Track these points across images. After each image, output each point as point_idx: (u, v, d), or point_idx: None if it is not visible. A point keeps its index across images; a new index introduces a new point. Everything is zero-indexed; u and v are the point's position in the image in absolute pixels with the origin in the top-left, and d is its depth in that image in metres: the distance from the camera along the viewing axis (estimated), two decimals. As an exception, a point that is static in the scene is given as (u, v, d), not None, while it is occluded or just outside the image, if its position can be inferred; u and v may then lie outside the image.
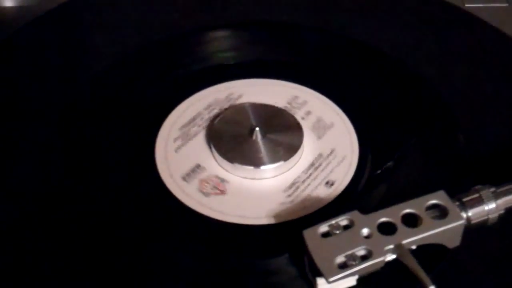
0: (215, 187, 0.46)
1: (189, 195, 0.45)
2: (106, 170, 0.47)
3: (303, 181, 0.46)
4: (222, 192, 0.45)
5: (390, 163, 0.47)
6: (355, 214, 0.39)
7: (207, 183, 0.46)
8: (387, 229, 0.39)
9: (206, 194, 0.45)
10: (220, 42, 0.59)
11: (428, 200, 0.40)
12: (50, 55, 0.57)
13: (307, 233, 0.39)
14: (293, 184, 0.46)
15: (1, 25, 0.65)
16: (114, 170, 0.47)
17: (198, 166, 0.47)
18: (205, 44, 0.59)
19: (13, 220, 0.44)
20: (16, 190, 0.46)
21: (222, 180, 0.46)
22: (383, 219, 0.39)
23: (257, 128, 0.48)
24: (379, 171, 0.47)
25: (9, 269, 0.40)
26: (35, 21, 0.59)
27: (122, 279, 0.40)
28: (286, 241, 0.41)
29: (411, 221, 0.39)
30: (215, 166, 0.47)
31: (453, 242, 0.40)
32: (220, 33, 0.59)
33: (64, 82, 0.54)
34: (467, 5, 0.66)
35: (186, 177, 0.46)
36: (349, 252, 0.38)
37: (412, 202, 0.40)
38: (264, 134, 0.48)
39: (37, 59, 0.57)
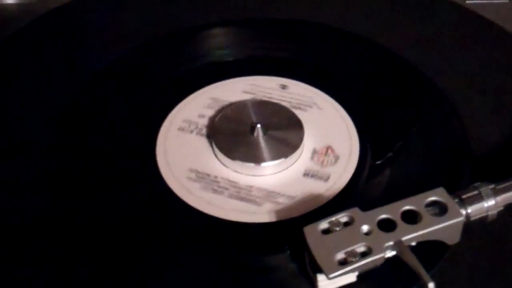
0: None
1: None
2: (106, 169, 0.47)
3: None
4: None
5: (390, 154, 0.47)
6: (355, 211, 0.39)
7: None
8: (387, 226, 0.39)
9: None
10: (220, 39, 0.59)
11: (427, 197, 0.40)
12: (51, 53, 0.57)
13: (308, 230, 0.39)
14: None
15: (2, 22, 0.65)
16: (115, 168, 0.47)
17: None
18: (206, 42, 0.59)
19: (13, 217, 0.44)
20: (16, 187, 0.46)
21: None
22: (383, 216, 0.39)
23: (258, 125, 0.48)
24: (379, 161, 0.47)
25: (9, 269, 0.41)
26: (36, 20, 0.60)
27: (123, 276, 0.40)
28: (287, 238, 0.42)
29: (411, 218, 0.39)
30: (216, 163, 0.47)
31: (453, 238, 0.40)
32: (220, 31, 0.60)
33: (64, 80, 0.54)
34: (468, 2, 0.66)
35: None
36: (349, 249, 0.38)
37: (411, 199, 0.40)
38: (265, 131, 0.48)
39: (39, 56, 0.57)
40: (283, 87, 0.54)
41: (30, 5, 0.66)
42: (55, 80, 0.54)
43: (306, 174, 0.47)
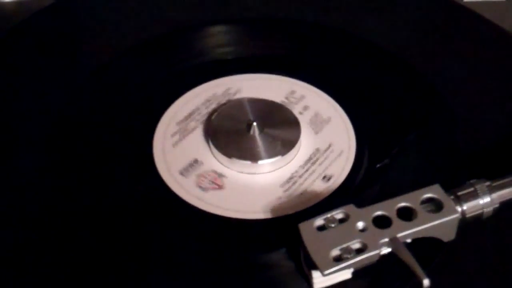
0: (212, 182, 0.46)
1: (186, 189, 0.45)
2: (104, 166, 0.47)
3: (300, 176, 0.47)
4: (220, 187, 0.46)
5: (387, 160, 0.47)
6: (351, 208, 0.39)
7: (205, 177, 0.46)
8: (382, 222, 0.39)
9: (204, 189, 0.45)
10: (218, 37, 0.59)
11: (423, 194, 0.40)
12: (46, 51, 0.57)
13: (303, 226, 0.39)
14: (290, 178, 0.46)
15: (0, 20, 0.65)
16: (112, 165, 0.47)
17: (195, 161, 0.47)
18: (203, 39, 0.59)
19: (11, 215, 0.44)
20: (14, 185, 0.46)
21: (220, 175, 0.46)
22: (378, 213, 0.39)
23: (255, 123, 0.48)
24: (379, 165, 0.47)
25: (9, 269, 0.41)
26: (32, 17, 0.60)
27: (120, 274, 0.40)
28: (283, 235, 0.42)
29: (406, 214, 0.39)
30: (213, 160, 0.48)
31: (448, 235, 0.40)
32: (218, 29, 0.60)
33: (61, 78, 0.54)
34: (466, 1, 0.66)
35: (184, 172, 0.47)
36: (344, 245, 0.38)
37: (407, 195, 0.40)
38: (261, 129, 0.48)
39: (34, 54, 0.57)
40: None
41: (28, 3, 0.66)
42: (51, 78, 0.54)
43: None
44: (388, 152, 0.48)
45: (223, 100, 0.52)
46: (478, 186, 0.40)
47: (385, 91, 0.53)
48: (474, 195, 0.40)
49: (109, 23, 0.60)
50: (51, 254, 0.41)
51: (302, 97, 0.53)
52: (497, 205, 0.41)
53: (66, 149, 0.48)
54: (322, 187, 0.46)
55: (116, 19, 0.60)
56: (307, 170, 0.47)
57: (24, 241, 0.42)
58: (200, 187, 0.46)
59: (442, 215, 0.39)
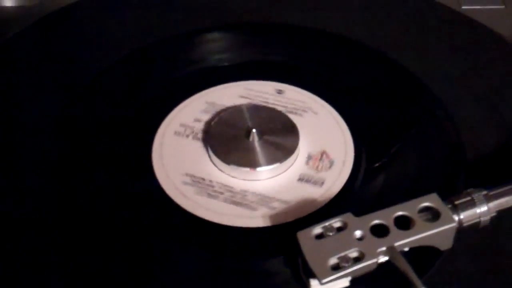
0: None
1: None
2: (102, 172, 0.47)
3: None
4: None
5: (385, 159, 0.48)
6: (348, 216, 0.40)
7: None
8: (379, 231, 0.39)
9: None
10: (217, 44, 0.59)
11: (420, 203, 0.40)
12: (48, 56, 0.58)
13: (301, 235, 0.39)
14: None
15: (1, 25, 0.65)
16: (111, 171, 0.47)
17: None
18: (203, 46, 0.59)
19: (11, 219, 0.44)
20: (14, 190, 0.46)
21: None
22: (376, 221, 0.39)
23: (254, 130, 0.48)
24: (376, 165, 0.47)
25: (8, 269, 0.41)
26: (36, 23, 0.60)
27: (117, 281, 0.41)
28: (281, 243, 0.42)
29: (404, 223, 0.40)
30: (212, 167, 0.48)
31: (445, 244, 0.40)
32: (216, 35, 0.60)
33: (61, 83, 0.54)
34: (463, 7, 0.66)
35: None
36: (342, 254, 0.38)
37: (404, 204, 0.40)
38: (260, 136, 0.48)
39: (36, 59, 0.57)
40: (279, 91, 0.54)
41: (29, 8, 0.66)
42: (52, 83, 0.54)
43: (300, 179, 0.47)
44: (385, 155, 0.48)
45: (223, 107, 0.52)
46: (475, 195, 0.41)
47: (383, 98, 0.53)
48: (471, 204, 0.40)
49: (107, 30, 0.60)
50: (49, 255, 0.42)
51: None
52: (494, 214, 0.41)
53: (64, 156, 0.48)
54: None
55: (116, 26, 0.61)
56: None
57: (20, 245, 0.42)
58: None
59: (439, 224, 0.39)
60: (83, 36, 0.60)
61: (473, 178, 0.45)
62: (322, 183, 0.47)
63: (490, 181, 0.42)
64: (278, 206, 0.45)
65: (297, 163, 0.48)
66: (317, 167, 0.48)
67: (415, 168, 0.48)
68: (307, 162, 0.48)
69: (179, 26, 0.60)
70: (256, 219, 0.44)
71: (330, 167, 0.48)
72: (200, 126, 0.51)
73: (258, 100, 0.53)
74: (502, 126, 0.51)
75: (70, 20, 0.62)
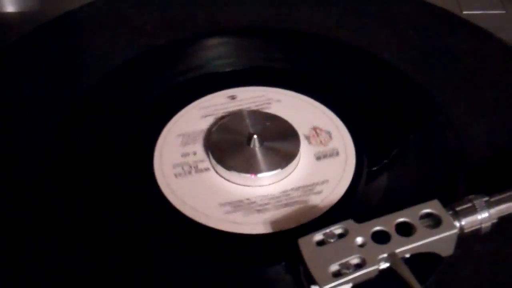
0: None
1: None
2: (103, 176, 0.48)
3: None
4: None
5: (386, 161, 0.48)
6: (350, 223, 0.40)
7: None
8: (381, 238, 0.39)
9: None
10: (221, 49, 0.60)
11: (421, 209, 0.40)
12: (50, 62, 0.58)
13: (302, 241, 0.39)
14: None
15: (3, 30, 0.65)
16: (111, 176, 0.48)
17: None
18: (209, 51, 0.59)
19: (11, 217, 0.44)
20: (13, 189, 0.46)
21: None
22: (377, 228, 0.39)
23: (255, 136, 0.48)
24: (375, 168, 0.48)
25: (8, 269, 0.41)
26: (38, 28, 0.60)
27: (114, 284, 0.41)
28: (282, 249, 0.42)
29: (405, 230, 0.40)
30: (213, 173, 0.48)
31: (447, 251, 0.40)
32: (219, 40, 0.60)
33: (61, 91, 0.55)
34: (464, 12, 0.66)
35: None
36: (343, 261, 0.38)
37: (405, 211, 0.40)
38: (261, 141, 0.48)
39: (39, 64, 0.57)
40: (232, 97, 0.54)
41: (31, 14, 0.67)
42: (50, 90, 0.55)
43: (318, 158, 0.48)
44: (387, 166, 0.48)
45: (224, 113, 0.52)
46: (476, 202, 0.41)
47: (384, 102, 0.53)
48: (473, 211, 0.40)
49: (109, 36, 0.60)
50: (44, 258, 0.42)
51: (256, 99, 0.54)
52: (495, 220, 0.41)
53: (64, 162, 0.49)
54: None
55: (117, 32, 0.61)
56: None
57: (18, 244, 0.42)
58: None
59: (440, 230, 0.39)
60: (85, 42, 0.60)
61: (474, 184, 0.45)
62: (337, 152, 0.48)
63: (491, 187, 0.42)
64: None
65: (298, 169, 0.48)
66: (320, 141, 0.48)
67: (416, 174, 0.48)
68: (309, 142, 0.48)
69: (183, 31, 0.60)
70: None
71: (330, 137, 0.48)
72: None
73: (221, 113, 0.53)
74: (503, 131, 0.51)
75: (70, 27, 0.62)
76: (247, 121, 0.50)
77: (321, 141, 0.48)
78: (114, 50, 0.58)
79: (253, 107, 0.53)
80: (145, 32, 0.61)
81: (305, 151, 0.49)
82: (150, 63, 0.58)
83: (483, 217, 0.40)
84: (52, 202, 0.45)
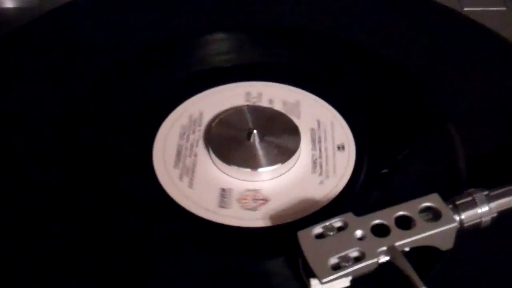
0: (256, 200, 0.46)
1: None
2: (103, 171, 0.47)
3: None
4: (265, 201, 0.46)
5: (391, 168, 0.48)
6: (349, 216, 0.40)
7: (245, 199, 0.46)
8: (380, 231, 0.39)
9: (252, 209, 0.45)
10: (220, 45, 0.60)
11: (421, 203, 0.40)
12: (47, 56, 0.58)
13: (301, 234, 0.39)
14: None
15: (1, 26, 0.65)
16: (112, 171, 0.48)
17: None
18: (207, 46, 0.59)
19: (11, 218, 0.44)
20: (15, 187, 0.46)
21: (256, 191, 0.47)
22: (377, 221, 0.39)
23: (255, 131, 0.48)
24: (385, 170, 0.47)
25: (8, 270, 0.41)
26: (35, 21, 0.60)
27: (116, 279, 0.41)
28: (281, 243, 0.42)
29: (405, 223, 0.39)
30: (213, 168, 0.48)
31: (446, 244, 0.40)
32: (220, 36, 0.60)
33: (60, 85, 0.54)
34: (465, 9, 0.66)
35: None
36: (343, 254, 0.38)
37: (405, 204, 0.40)
38: (261, 136, 0.48)
39: (36, 58, 0.57)
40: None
41: (28, 9, 0.67)
42: (52, 83, 0.55)
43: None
44: (388, 159, 0.48)
45: (224, 108, 0.52)
46: (476, 196, 0.41)
47: (386, 99, 0.53)
48: (472, 204, 0.40)
49: (109, 30, 0.60)
50: (45, 255, 0.42)
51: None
52: (495, 214, 0.41)
53: (63, 159, 0.48)
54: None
55: (116, 25, 0.61)
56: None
57: (20, 246, 0.42)
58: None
59: (440, 224, 0.39)
60: (84, 36, 0.60)
61: (474, 180, 0.45)
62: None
63: (492, 183, 0.42)
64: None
65: (298, 164, 0.48)
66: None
67: (417, 169, 0.48)
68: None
69: (182, 27, 0.60)
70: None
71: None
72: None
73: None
74: (504, 127, 0.50)
75: (72, 18, 0.62)
76: (247, 116, 0.50)
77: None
78: (115, 43, 0.59)
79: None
80: (147, 24, 0.61)
81: (306, 146, 0.49)
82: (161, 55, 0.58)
83: (483, 211, 0.40)
84: (52, 192, 0.46)
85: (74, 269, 0.41)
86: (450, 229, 0.39)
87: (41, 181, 0.46)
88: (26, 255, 0.42)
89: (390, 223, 0.39)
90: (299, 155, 0.48)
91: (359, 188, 0.47)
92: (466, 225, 0.40)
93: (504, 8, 0.68)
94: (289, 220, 0.44)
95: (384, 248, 0.38)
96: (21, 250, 0.42)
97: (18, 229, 0.43)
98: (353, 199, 0.46)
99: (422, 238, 0.39)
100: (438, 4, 0.63)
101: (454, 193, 0.41)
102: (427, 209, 0.40)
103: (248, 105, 0.52)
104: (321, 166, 0.48)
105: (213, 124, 0.50)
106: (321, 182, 0.47)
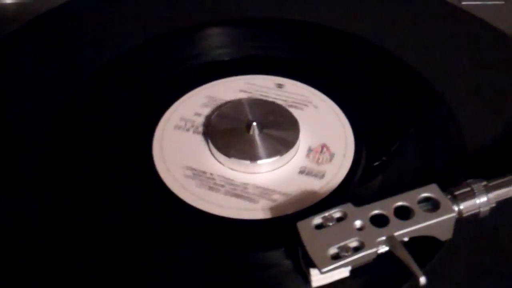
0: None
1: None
2: (103, 167, 0.48)
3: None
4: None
5: (386, 156, 0.48)
6: (348, 207, 0.40)
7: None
8: (379, 221, 0.39)
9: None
10: (217, 39, 0.60)
11: (420, 193, 0.40)
12: (47, 53, 0.58)
13: (301, 225, 0.39)
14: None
15: (1, 21, 0.65)
16: (112, 166, 0.48)
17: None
18: (203, 41, 0.59)
19: (11, 216, 0.44)
20: (14, 186, 0.46)
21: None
22: (376, 212, 0.39)
23: (254, 123, 0.48)
24: (376, 163, 0.48)
25: (9, 270, 0.41)
26: (36, 18, 0.60)
27: (119, 274, 0.41)
28: (281, 234, 0.42)
29: (404, 213, 0.40)
30: (213, 160, 0.48)
31: (445, 234, 0.40)
32: (217, 30, 0.60)
33: (61, 79, 0.55)
34: (464, 3, 0.66)
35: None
36: (342, 244, 0.38)
37: (404, 195, 0.40)
38: (261, 129, 0.48)
39: (35, 55, 0.57)
40: (279, 86, 0.54)
41: (29, 5, 0.67)
42: (51, 79, 0.55)
43: (301, 172, 0.47)
44: (386, 151, 0.48)
45: (223, 101, 0.53)
46: (475, 186, 0.41)
47: (384, 92, 0.53)
48: (471, 195, 0.40)
49: (107, 26, 0.60)
50: (49, 257, 0.42)
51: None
52: (493, 205, 0.41)
53: (64, 151, 0.49)
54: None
55: (115, 21, 0.61)
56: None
57: (23, 245, 0.42)
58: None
59: (439, 214, 0.39)
60: (84, 31, 0.60)
61: (473, 172, 0.45)
62: (323, 175, 0.47)
63: (490, 174, 0.42)
64: (278, 199, 0.45)
65: (297, 156, 0.48)
66: (318, 159, 0.48)
67: (415, 161, 0.48)
68: (307, 155, 0.48)
69: (180, 21, 0.60)
70: (257, 211, 0.44)
71: (330, 160, 0.48)
72: (200, 120, 0.51)
73: (258, 94, 0.53)
74: (502, 120, 0.51)
75: (70, 16, 0.62)
76: (247, 108, 0.50)
77: (318, 160, 0.48)
78: (114, 38, 0.59)
79: (290, 102, 0.53)
80: (148, 19, 0.61)
81: (305, 138, 0.49)
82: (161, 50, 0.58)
83: (481, 201, 0.40)
84: (49, 189, 0.46)
85: (74, 269, 0.41)
86: (449, 219, 0.39)
87: (39, 179, 0.46)
88: (27, 251, 0.42)
89: (389, 213, 0.39)
90: (298, 147, 0.49)
91: (358, 179, 0.47)
92: (464, 215, 0.40)
93: (503, 2, 0.68)
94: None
95: (383, 238, 0.38)
96: (21, 248, 0.42)
97: (19, 229, 0.43)
98: (352, 190, 0.46)
99: (421, 228, 0.39)
100: (437, -2, 0.63)
101: (453, 183, 0.42)
102: (426, 199, 0.40)
103: (247, 98, 0.52)
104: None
105: (213, 117, 0.50)
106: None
